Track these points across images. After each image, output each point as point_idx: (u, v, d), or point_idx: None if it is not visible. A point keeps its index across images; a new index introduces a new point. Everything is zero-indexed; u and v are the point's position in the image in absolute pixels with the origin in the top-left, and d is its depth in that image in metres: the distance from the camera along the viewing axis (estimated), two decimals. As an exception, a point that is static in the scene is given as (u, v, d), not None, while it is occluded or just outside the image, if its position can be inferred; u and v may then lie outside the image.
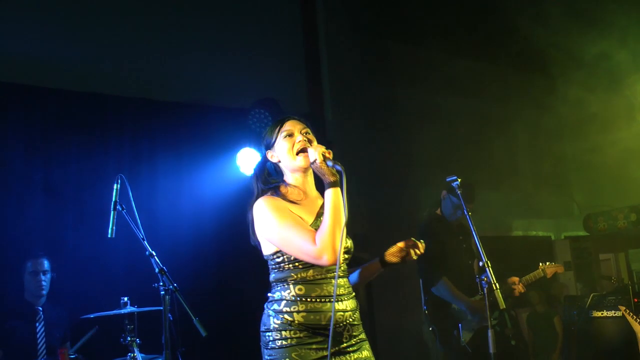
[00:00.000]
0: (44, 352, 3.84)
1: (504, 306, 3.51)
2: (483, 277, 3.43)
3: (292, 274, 2.24)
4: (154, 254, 2.50)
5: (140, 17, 5.18)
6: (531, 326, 6.64)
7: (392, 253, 2.50)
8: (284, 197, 2.32)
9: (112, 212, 2.57)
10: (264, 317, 2.28)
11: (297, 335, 2.18)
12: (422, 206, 4.55)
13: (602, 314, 5.08)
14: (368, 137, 6.38)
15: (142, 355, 3.48)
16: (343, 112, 6.24)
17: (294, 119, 2.42)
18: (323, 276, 2.23)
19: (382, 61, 6.85)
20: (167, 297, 2.45)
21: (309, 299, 2.21)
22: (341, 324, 2.22)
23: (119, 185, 2.65)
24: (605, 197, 7.57)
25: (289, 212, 2.23)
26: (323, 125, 5.96)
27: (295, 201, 2.31)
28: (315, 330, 2.19)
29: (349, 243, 2.33)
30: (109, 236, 2.56)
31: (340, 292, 2.25)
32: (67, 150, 4.50)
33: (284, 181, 2.40)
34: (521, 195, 7.79)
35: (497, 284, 3.49)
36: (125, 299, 3.49)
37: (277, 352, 2.19)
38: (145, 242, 2.53)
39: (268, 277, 2.41)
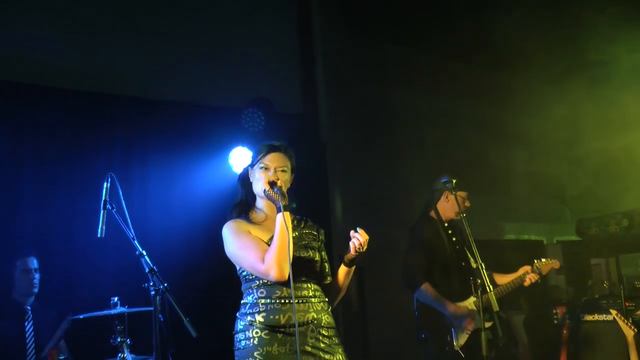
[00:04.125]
0: (33, 352, 3.80)
1: (497, 308, 3.51)
2: (476, 280, 3.44)
3: (257, 281, 2.50)
4: (144, 253, 2.46)
5: (133, 15, 5.14)
6: (527, 330, 6.63)
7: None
8: (248, 219, 2.63)
9: (101, 211, 2.53)
10: (235, 321, 2.54)
11: (259, 334, 2.40)
12: (416, 207, 4.52)
13: (593, 317, 5.08)
14: (362, 138, 6.36)
15: (133, 356, 3.46)
16: (337, 113, 6.22)
17: (278, 152, 2.63)
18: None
19: (377, 62, 6.84)
20: (157, 297, 2.40)
21: (269, 300, 2.44)
22: (302, 324, 2.40)
23: (108, 184, 2.61)
24: (597, 203, 7.58)
25: (247, 234, 2.52)
26: (317, 126, 5.93)
27: (257, 222, 2.61)
28: (275, 328, 2.40)
29: (311, 254, 2.57)
30: (99, 236, 2.52)
31: (304, 294, 2.48)
32: (58, 148, 4.46)
33: (254, 205, 2.69)
34: (514, 199, 7.79)
35: (490, 286, 3.50)
36: (115, 299, 3.46)
37: (242, 352, 2.43)
38: (135, 241, 2.49)
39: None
